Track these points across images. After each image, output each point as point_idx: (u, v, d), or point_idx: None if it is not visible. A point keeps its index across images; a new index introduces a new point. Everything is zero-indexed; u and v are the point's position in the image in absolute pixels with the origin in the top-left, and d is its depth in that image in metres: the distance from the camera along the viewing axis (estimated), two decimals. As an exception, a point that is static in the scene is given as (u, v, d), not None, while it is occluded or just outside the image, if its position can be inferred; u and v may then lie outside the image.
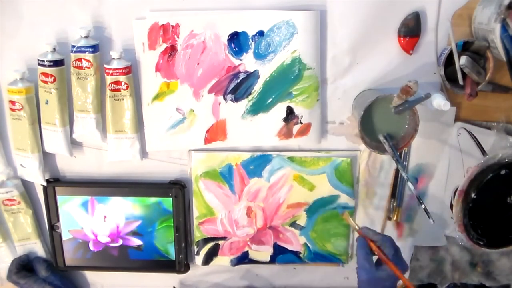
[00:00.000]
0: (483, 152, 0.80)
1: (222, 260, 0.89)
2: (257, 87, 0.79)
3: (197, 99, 0.79)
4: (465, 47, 0.75)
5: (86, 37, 0.74)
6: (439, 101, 0.72)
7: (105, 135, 0.81)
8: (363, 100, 0.75)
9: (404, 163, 0.84)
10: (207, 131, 0.81)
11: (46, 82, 0.75)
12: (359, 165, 0.84)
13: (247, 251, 0.88)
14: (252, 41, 0.76)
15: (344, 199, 0.85)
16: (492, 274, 0.91)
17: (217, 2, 0.75)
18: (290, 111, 0.80)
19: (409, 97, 0.69)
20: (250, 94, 0.79)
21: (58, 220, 0.86)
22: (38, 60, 0.75)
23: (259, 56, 0.77)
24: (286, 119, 0.80)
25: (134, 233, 0.87)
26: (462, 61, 0.73)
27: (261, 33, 0.76)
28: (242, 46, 0.76)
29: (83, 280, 0.93)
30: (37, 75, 0.76)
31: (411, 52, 0.77)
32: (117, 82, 0.76)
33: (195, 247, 0.88)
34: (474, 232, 0.78)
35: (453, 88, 0.77)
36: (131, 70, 0.77)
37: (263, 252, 0.89)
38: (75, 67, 0.75)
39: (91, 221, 0.86)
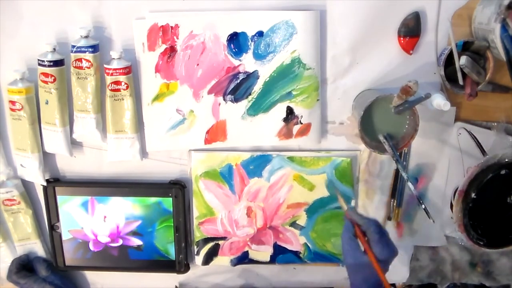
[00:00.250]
0: (483, 152, 0.80)
1: (222, 260, 0.89)
2: (257, 88, 0.79)
3: (197, 100, 0.79)
4: (465, 47, 0.75)
5: (86, 37, 0.74)
6: (439, 101, 0.72)
7: (105, 135, 0.81)
8: (363, 100, 0.75)
9: (404, 163, 0.84)
10: (207, 132, 0.81)
11: (46, 82, 0.75)
12: (359, 165, 0.84)
13: (247, 251, 0.88)
14: (252, 41, 0.76)
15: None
16: (492, 274, 0.91)
17: (216, 3, 0.75)
18: (290, 111, 0.79)
19: (409, 97, 0.69)
20: (250, 94, 0.79)
21: (58, 220, 0.86)
22: (38, 60, 0.75)
23: (258, 56, 0.77)
24: (286, 119, 0.80)
25: (134, 233, 0.87)
26: (462, 61, 0.73)
27: (260, 34, 0.76)
28: (241, 46, 0.76)
29: (83, 280, 0.93)
30: (37, 75, 0.76)
31: (411, 52, 0.77)
32: (117, 82, 0.76)
33: (195, 247, 0.88)
34: (474, 232, 0.78)
35: (453, 88, 0.77)
36: (131, 70, 0.76)
37: (263, 252, 0.89)
38: (75, 67, 0.75)
39: (91, 221, 0.86)
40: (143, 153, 0.83)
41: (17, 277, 0.84)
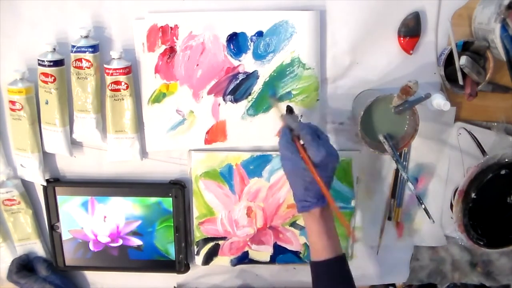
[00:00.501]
0: (483, 152, 0.80)
1: (222, 260, 0.89)
2: (257, 88, 0.79)
3: (197, 101, 0.79)
4: (465, 47, 0.75)
5: (86, 37, 0.74)
6: (439, 101, 0.72)
7: (105, 135, 0.81)
8: (363, 100, 0.75)
9: (404, 163, 0.84)
10: (207, 132, 0.81)
11: (46, 82, 0.75)
12: (359, 165, 0.84)
13: (247, 251, 0.88)
14: (251, 41, 0.76)
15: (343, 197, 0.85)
16: (492, 274, 0.91)
17: (216, 3, 0.75)
18: (290, 111, 0.79)
19: (409, 97, 0.69)
20: (249, 94, 0.79)
21: (58, 220, 0.86)
22: (38, 60, 0.75)
23: (258, 56, 0.77)
24: (286, 119, 0.80)
25: (134, 233, 0.87)
26: (462, 61, 0.73)
27: (260, 34, 0.75)
28: (241, 46, 0.76)
29: (83, 280, 0.93)
30: (37, 75, 0.76)
31: (411, 52, 0.77)
32: (117, 82, 0.76)
33: (195, 247, 0.88)
34: (474, 232, 0.78)
35: (453, 88, 0.77)
36: (131, 70, 0.76)
37: (263, 252, 0.89)
38: (75, 67, 0.75)
39: (91, 221, 0.86)
40: (143, 153, 0.83)
41: (17, 277, 0.84)
